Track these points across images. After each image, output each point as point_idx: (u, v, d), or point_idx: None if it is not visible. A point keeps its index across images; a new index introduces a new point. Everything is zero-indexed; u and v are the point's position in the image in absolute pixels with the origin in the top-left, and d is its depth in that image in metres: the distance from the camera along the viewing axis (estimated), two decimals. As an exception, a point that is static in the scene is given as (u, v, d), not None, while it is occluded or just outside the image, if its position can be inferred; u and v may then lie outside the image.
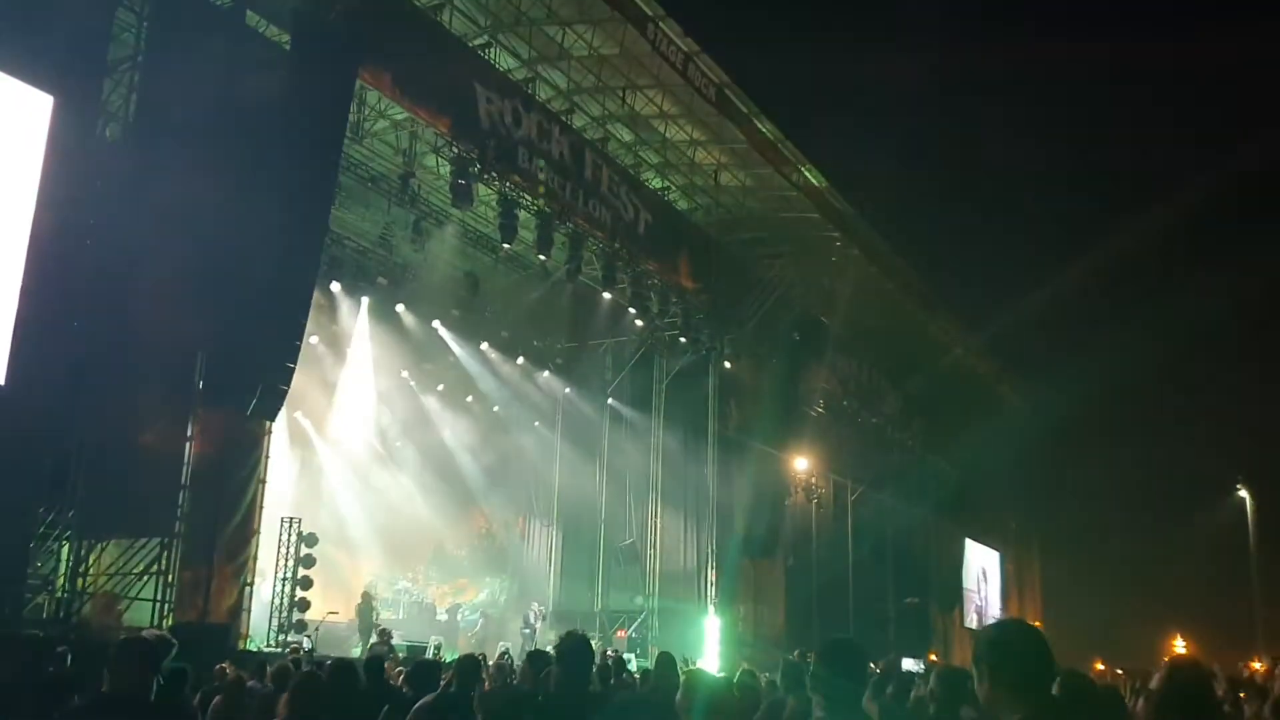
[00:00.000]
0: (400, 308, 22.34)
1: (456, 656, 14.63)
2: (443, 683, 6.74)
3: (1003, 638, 2.76)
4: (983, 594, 42.14)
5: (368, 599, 20.77)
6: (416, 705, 5.96)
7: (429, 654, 16.67)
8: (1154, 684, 4.41)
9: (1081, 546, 52.38)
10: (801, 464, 30.89)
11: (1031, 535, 49.91)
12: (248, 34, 16.48)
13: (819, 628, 29.77)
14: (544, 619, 22.88)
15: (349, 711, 5.44)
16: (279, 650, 14.88)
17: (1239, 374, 46.87)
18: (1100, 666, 44.66)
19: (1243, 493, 42.92)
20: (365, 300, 21.85)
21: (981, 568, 42.33)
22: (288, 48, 16.59)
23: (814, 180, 25.56)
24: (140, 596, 14.20)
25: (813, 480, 33.43)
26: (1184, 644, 42.70)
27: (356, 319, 22.22)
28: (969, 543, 40.41)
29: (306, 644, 16.12)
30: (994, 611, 42.97)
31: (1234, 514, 42.91)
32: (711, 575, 25.09)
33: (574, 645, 4.92)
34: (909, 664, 20.71)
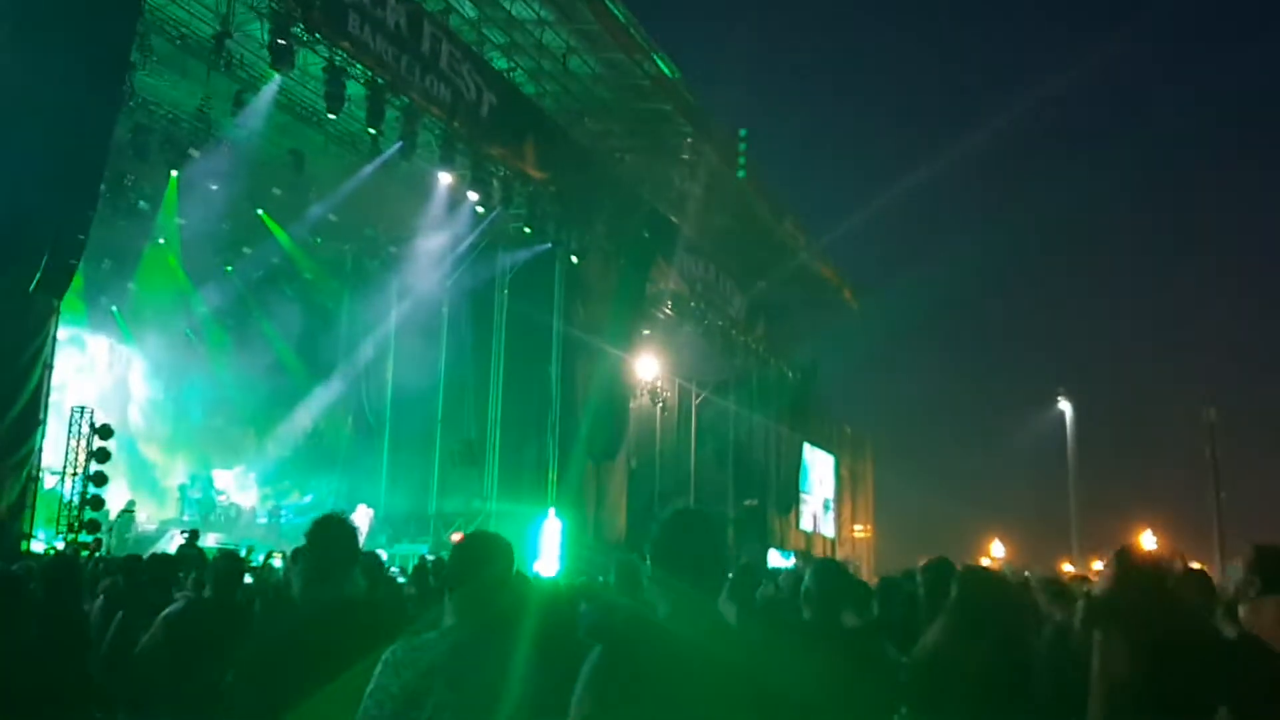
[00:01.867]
0: (213, 186, 20.34)
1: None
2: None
3: None
4: (818, 497, 42.94)
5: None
6: (163, 614, 4.93)
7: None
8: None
9: (912, 453, 54.30)
10: (649, 367, 30.33)
11: (865, 441, 51.17)
12: None
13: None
14: (371, 520, 21.76)
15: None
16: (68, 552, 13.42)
17: (1062, 289, 48.67)
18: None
19: (1063, 404, 44.81)
20: (174, 175, 19.77)
21: (818, 473, 43.06)
22: None
23: (666, 70, 24.54)
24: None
25: (658, 384, 33.03)
26: (1002, 546, 44.69)
27: (163, 194, 20.16)
28: (806, 447, 40.93)
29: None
30: (827, 516, 43.96)
31: (1054, 425, 44.84)
32: (553, 477, 24.34)
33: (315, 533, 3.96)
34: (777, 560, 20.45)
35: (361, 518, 21.48)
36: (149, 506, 21.95)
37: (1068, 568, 37.87)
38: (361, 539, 15.10)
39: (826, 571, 4.61)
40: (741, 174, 29.65)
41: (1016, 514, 46.50)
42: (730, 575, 5.72)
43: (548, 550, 23.12)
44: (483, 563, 3.18)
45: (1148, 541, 33.30)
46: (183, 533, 15.57)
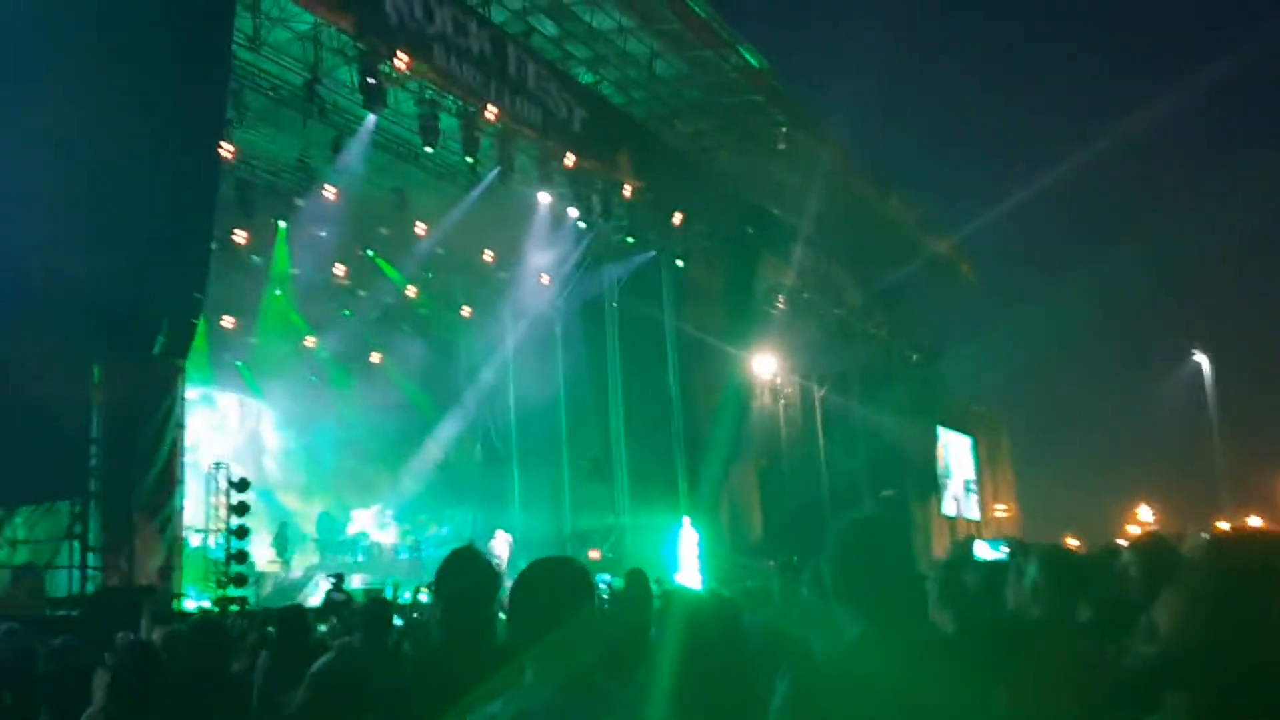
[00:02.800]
0: (322, 232, 20.61)
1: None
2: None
3: None
4: (959, 481, 41.66)
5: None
6: (312, 669, 4.72)
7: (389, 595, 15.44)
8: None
9: (1047, 425, 52.30)
10: (766, 364, 29.79)
11: (998, 417, 49.50)
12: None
13: (796, 532, 29.00)
14: (511, 547, 21.73)
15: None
16: (215, 609, 13.63)
17: (1193, 241, 46.40)
18: (1074, 543, 44.81)
19: (1199, 357, 42.78)
20: (283, 225, 20.10)
21: (954, 454, 41.76)
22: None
23: (754, 62, 24.05)
24: (56, 564, 12.90)
25: (777, 380, 32.44)
26: (1150, 512, 42.75)
27: (274, 246, 20.53)
28: (940, 430, 39.71)
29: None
30: (969, 499, 42.62)
31: (1191, 380, 42.84)
32: (684, 485, 24.03)
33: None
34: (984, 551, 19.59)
35: (501, 545, 21.49)
36: (291, 555, 22.35)
37: (1223, 526, 36.06)
38: (503, 566, 14.89)
39: (1056, 560, 4.05)
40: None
41: (1161, 476, 44.46)
42: (932, 576, 5.09)
43: (687, 561, 22.80)
44: (554, 603, 2.53)
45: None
46: (328, 577, 15.69)
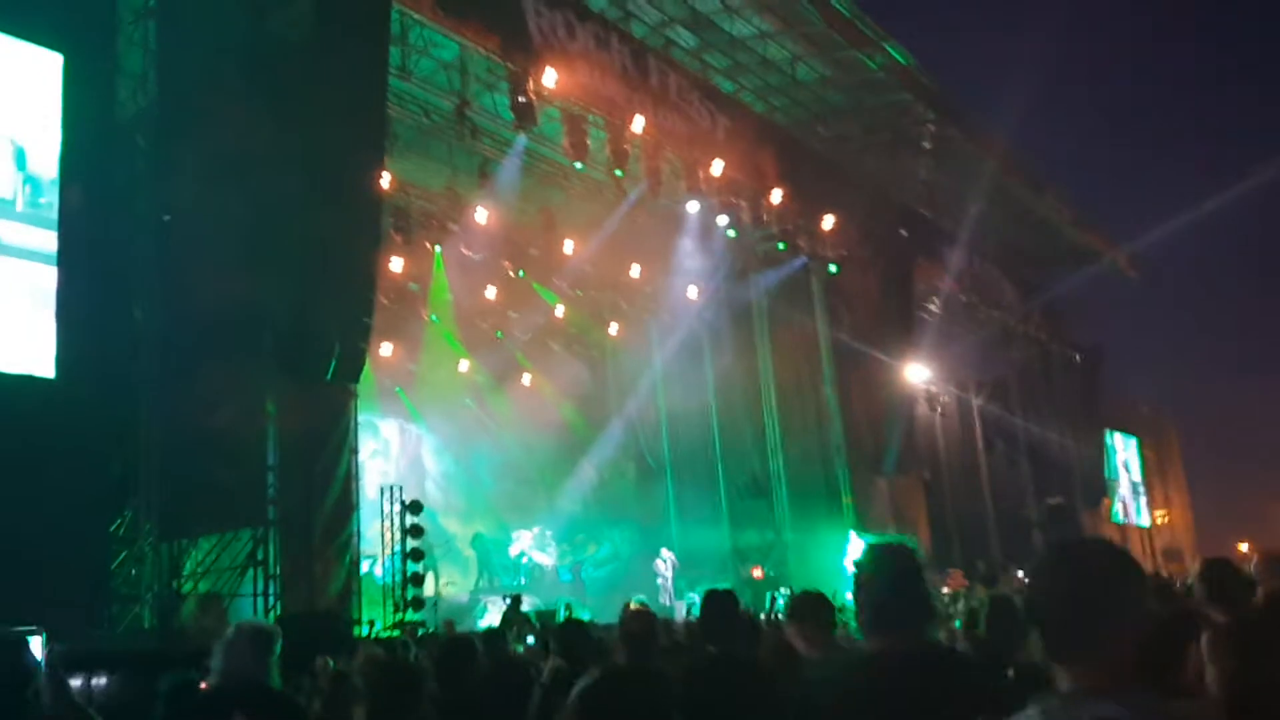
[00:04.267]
0: (475, 255, 20.71)
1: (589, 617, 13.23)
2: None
3: None
4: (1126, 485, 39.69)
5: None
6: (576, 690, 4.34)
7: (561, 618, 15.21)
8: None
9: (1219, 425, 49.42)
10: (922, 372, 28.81)
11: (1166, 418, 47.00)
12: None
13: (961, 544, 27.93)
14: (675, 566, 21.37)
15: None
16: (395, 632, 13.59)
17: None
18: (1243, 548, 42.11)
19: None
20: (438, 250, 20.29)
21: (1122, 458, 39.79)
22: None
23: (900, 59, 23.32)
24: (240, 593, 13.06)
25: (932, 388, 31.38)
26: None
27: (430, 272, 20.73)
28: (1106, 434, 37.87)
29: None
30: (1139, 503, 40.55)
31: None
32: (847, 500, 23.28)
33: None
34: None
35: (665, 564, 21.16)
36: (454, 577, 22.48)
37: None
38: (668, 584, 14.52)
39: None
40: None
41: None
42: None
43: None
44: None
45: None
46: (505, 598, 15.57)
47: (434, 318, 22.09)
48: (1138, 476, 41.32)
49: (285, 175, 13.10)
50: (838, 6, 21.14)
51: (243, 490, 13.33)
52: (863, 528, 22.74)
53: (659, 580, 20.78)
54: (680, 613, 18.68)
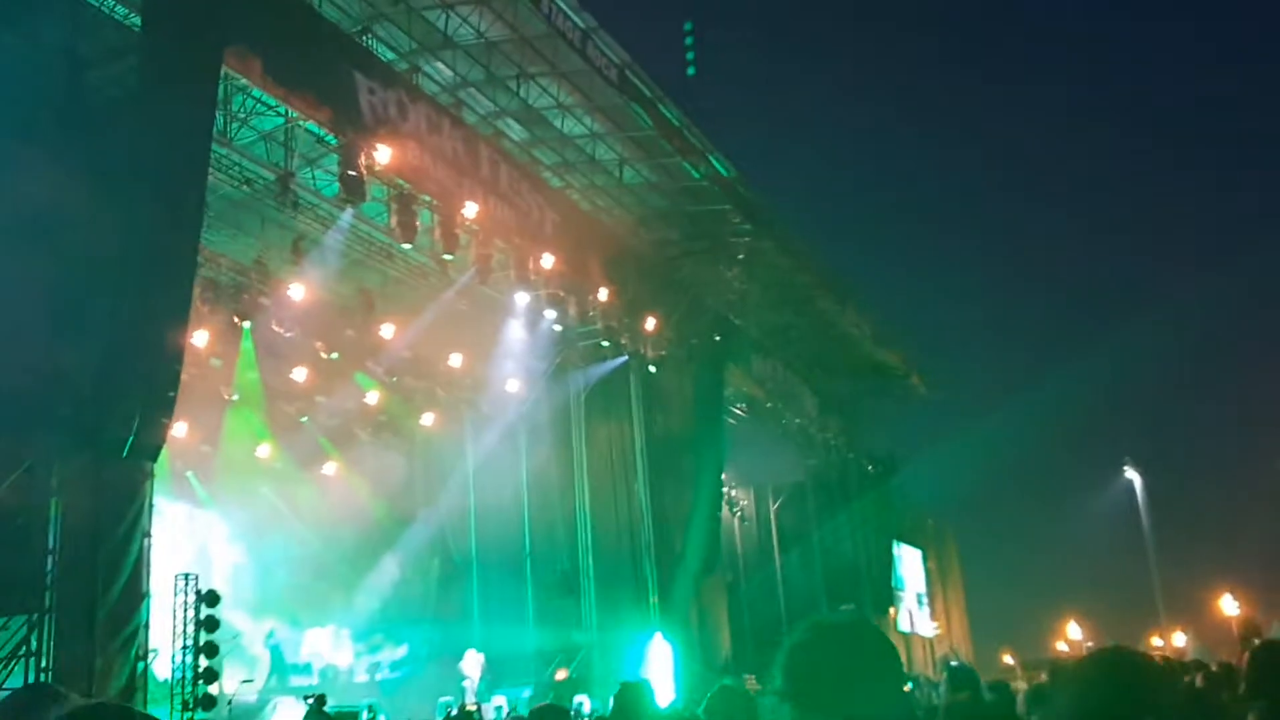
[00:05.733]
0: (286, 332, 19.73)
1: None
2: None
3: None
4: (911, 595, 41.09)
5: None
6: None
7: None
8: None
9: (991, 540, 52.45)
10: (722, 474, 29.26)
11: (949, 530, 49.31)
12: (91, 14, 14.16)
13: (756, 647, 28.07)
14: (484, 666, 20.52)
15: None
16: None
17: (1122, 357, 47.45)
18: (1009, 660, 44.39)
19: (1130, 473, 43.28)
20: (247, 326, 19.22)
21: (907, 568, 41.30)
22: (139, 29, 14.30)
23: (722, 170, 24.12)
24: (6, 686, 11.64)
25: (731, 491, 31.92)
26: (1078, 628, 42.59)
27: (236, 348, 19.62)
28: (894, 544, 39.31)
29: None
30: (922, 612, 42.00)
31: (1122, 494, 43.36)
32: (654, 599, 23.09)
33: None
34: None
35: (472, 665, 20.28)
36: (240, 674, 20.88)
37: (1156, 642, 35.89)
38: (474, 685, 13.94)
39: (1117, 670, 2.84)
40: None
41: (1090, 591, 44.74)
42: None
43: (657, 677, 21.74)
44: None
45: (1228, 606, 31.43)
46: (305, 699, 14.45)
47: (236, 397, 20.88)
48: (922, 587, 42.87)
49: (97, 237, 12.20)
50: (666, 114, 21.76)
51: (17, 572, 12.02)
52: (668, 628, 22.61)
53: (464, 682, 19.88)
54: (488, 715, 17.90)
